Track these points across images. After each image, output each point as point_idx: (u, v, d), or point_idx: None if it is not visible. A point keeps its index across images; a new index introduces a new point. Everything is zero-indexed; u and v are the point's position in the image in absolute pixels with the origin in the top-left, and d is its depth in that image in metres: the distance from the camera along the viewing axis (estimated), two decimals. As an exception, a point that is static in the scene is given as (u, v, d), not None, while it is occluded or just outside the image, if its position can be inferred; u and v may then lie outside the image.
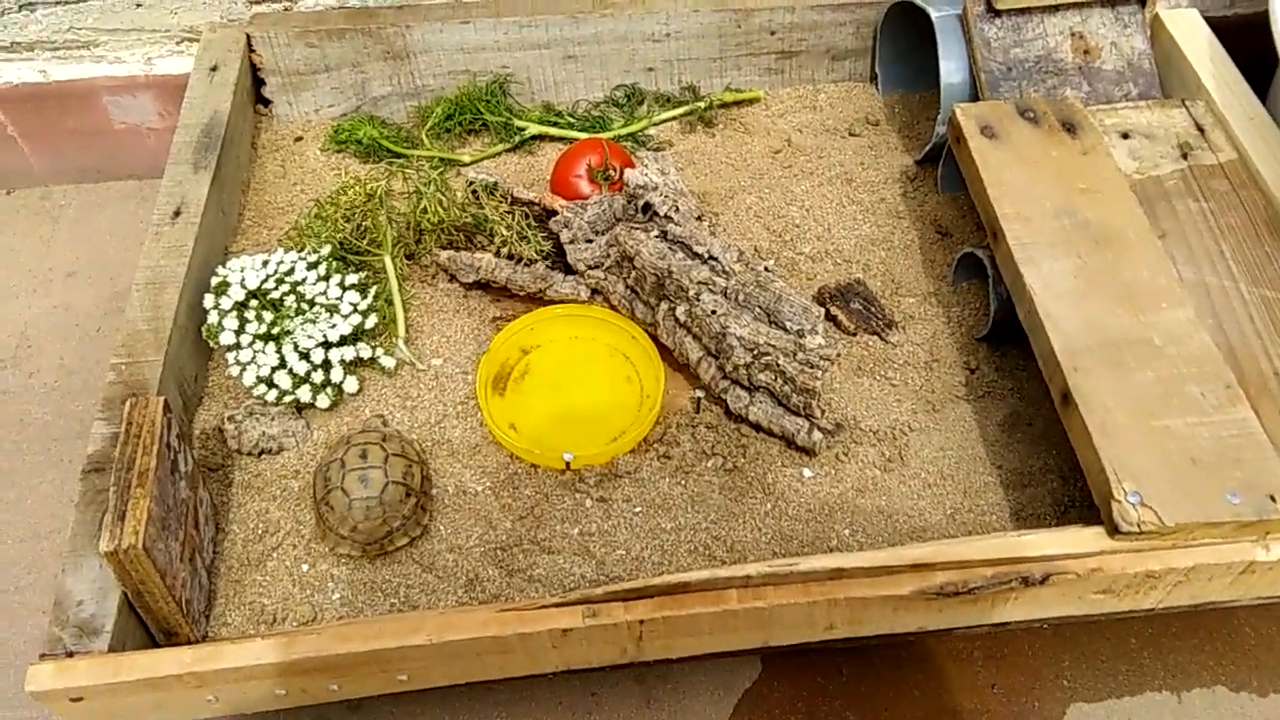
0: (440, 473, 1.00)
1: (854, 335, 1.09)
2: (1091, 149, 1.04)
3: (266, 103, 1.29)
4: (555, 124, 1.28)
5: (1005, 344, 1.07)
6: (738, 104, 1.32)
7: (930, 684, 1.02)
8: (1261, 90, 1.12)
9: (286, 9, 1.27)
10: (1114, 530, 0.79)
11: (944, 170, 1.19)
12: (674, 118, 1.30)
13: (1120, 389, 0.86)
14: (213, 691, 0.80)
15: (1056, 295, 0.92)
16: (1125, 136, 1.06)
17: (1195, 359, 0.87)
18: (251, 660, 0.77)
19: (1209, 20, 1.19)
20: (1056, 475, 0.97)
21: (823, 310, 0.99)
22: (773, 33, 1.29)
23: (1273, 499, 0.79)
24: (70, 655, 0.78)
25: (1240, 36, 1.19)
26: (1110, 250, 0.95)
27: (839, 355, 0.97)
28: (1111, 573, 0.80)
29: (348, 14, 1.26)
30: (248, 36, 1.23)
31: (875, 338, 1.09)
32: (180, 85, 1.29)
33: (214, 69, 1.20)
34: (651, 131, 1.29)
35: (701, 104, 1.30)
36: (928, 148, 1.21)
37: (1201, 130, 1.07)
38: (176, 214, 1.06)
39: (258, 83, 1.27)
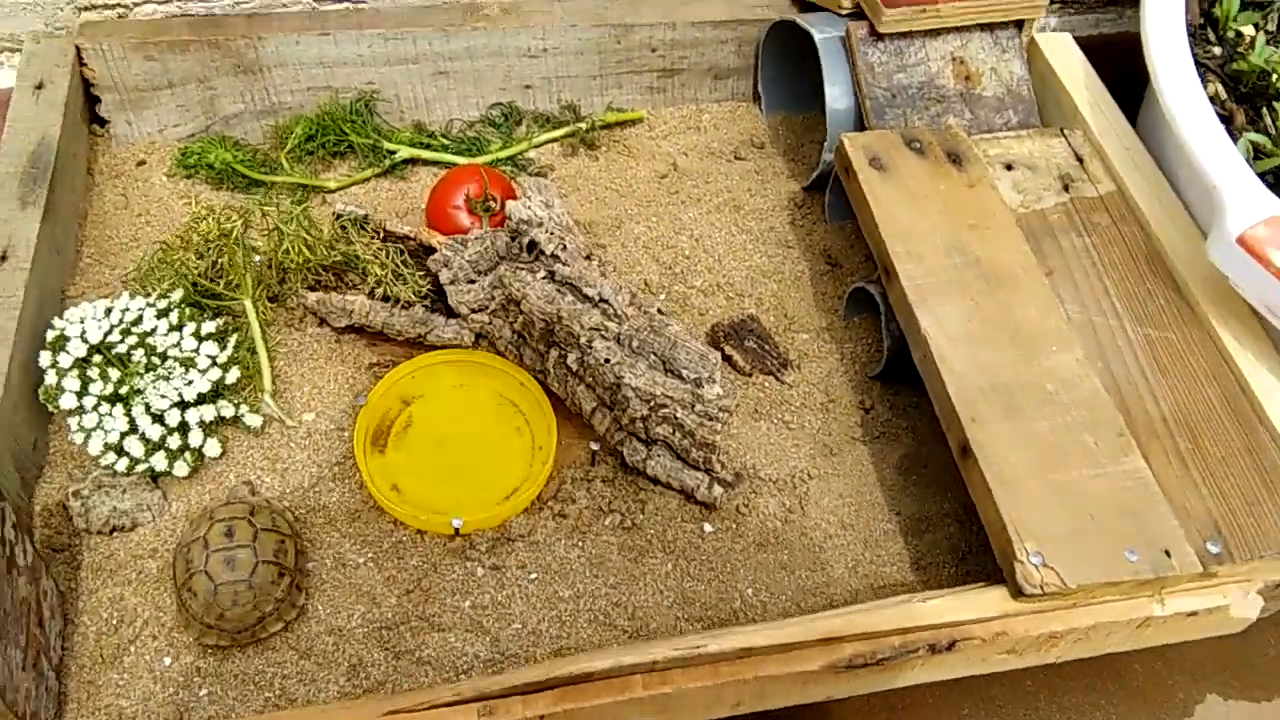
0: (317, 544, 0.92)
1: (749, 376, 1.06)
2: (977, 181, 1.03)
3: (103, 123, 1.16)
4: (428, 146, 1.20)
5: (898, 381, 1.06)
6: (620, 125, 1.26)
7: (832, 728, 1.01)
8: (1131, 111, 1.14)
9: (120, 16, 1.14)
10: (1018, 592, 0.79)
11: (831, 198, 1.17)
12: (554, 139, 1.24)
13: (1017, 440, 0.85)
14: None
15: (951, 339, 0.91)
16: (1009, 168, 1.06)
17: (1087, 404, 0.88)
18: (107, 793, 0.69)
19: (1078, 40, 1.20)
20: (953, 520, 0.96)
21: (719, 355, 0.95)
22: (654, 49, 1.24)
23: (1167, 554, 0.80)
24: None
25: (1107, 55, 1.21)
26: (1001, 290, 0.95)
27: (737, 405, 0.94)
28: (1015, 635, 0.80)
29: (191, 23, 1.14)
30: (77, 49, 1.10)
31: (771, 378, 1.06)
32: (1, 101, 1.15)
33: (39, 86, 1.07)
34: (532, 154, 1.22)
35: (583, 125, 1.24)
36: (815, 174, 1.19)
37: (1080, 160, 1.08)
38: (3, 258, 0.94)
39: (91, 100, 1.14)
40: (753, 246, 1.17)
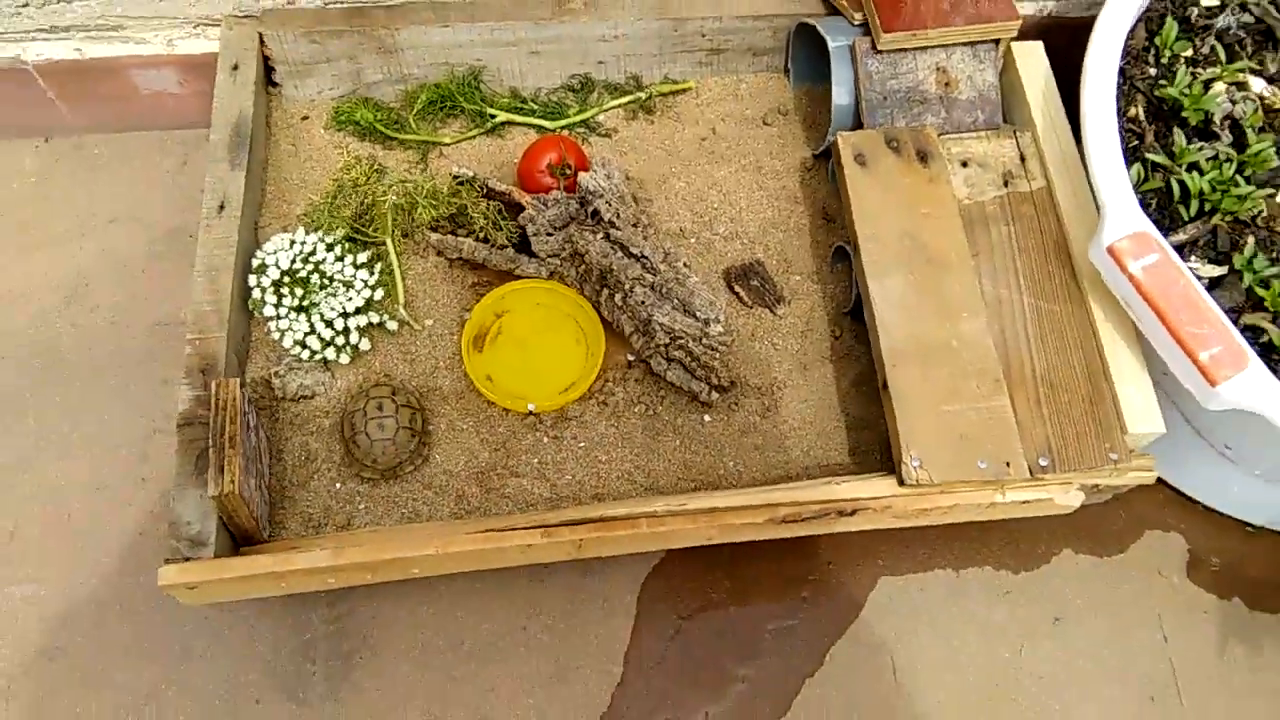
0: (434, 414, 1.34)
1: (751, 309, 1.42)
2: (936, 177, 1.35)
3: (276, 85, 1.53)
4: (520, 110, 1.54)
5: (863, 317, 1.41)
6: (674, 93, 1.58)
7: (785, 560, 1.42)
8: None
9: (290, 3, 1.49)
10: (901, 482, 1.17)
11: (832, 167, 1.49)
12: (619, 105, 1.57)
13: (922, 381, 1.21)
14: (284, 581, 1.17)
15: (890, 305, 1.26)
16: (964, 164, 1.37)
17: (978, 359, 1.23)
18: (315, 564, 1.14)
19: (1068, 20, 1.45)
20: (884, 422, 1.33)
21: (723, 301, 1.32)
22: (704, 35, 1.54)
23: (1008, 464, 1.17)
24: (187, 560, 1.14)
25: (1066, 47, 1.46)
26: (935, 272, 1.28)
27: (734, 340, 1.31)
28: (898, 509, 1.18)
29: (345, 13, 1.48)
30: (260, 35, 1.46)
31: (767, 310, 1.42)
32: (196, 63, 1.54)
33: (235, 68, 1.44)
34: (600, 119, 1.56)
35: (643, 94, 1.56)
36: (821, 148, 1.50)
37: (1023, 159, 1.37)
38: (221, 208, 1.34)
39: (268, 70, 1.51)
40: (767, 202, 1.51)
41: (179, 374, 1.23)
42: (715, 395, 1.32)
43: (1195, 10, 1.41)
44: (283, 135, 1.52)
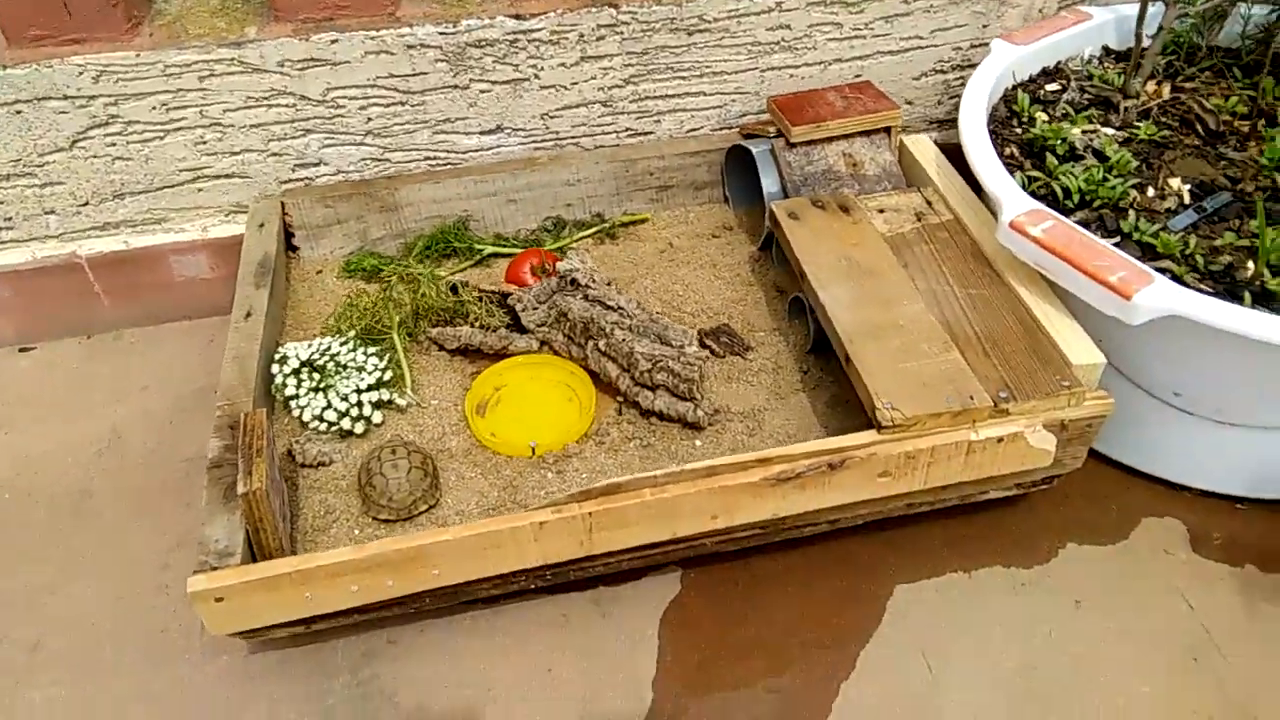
0: (444, 469, 1.44)
1: (723, 357, 1.58)
2: (859, 220, 1.58)
3: (295, 249, 1.79)
4: (504, 245, 1.80)
5: (826, 355, 1.57)
6: (632, 224, 1.86)
7: (799, 584, 1.45)
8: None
9: (307, 184, 1.79)
10: (879, 427, 1.27)
11: (776, 253, 1.73)
12: (587, 236, 1.83)
13: (879, 350, 1.36)
14: (309, 589, 1.20)
15: (839, 304, 1.43)
16: (881, 211, 1.61)
17: (925, 330, 1.38)
18: (337, 559, 1.19)
19: (952, 145, 1.77)
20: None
21: (695, 332, 1.49)
22: (651, 174, 1.85)
23: (971, 398, 1.28)
24: (214, 569, 1.18)
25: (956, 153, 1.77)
26: (871, 279, 1.47)
27: (706, 373, 1.47)
28: (882, 455, 1.27)
29: (353, 184, 1.79)
30: (282, 204, 1.75)
31: (737, 357, 1.58)
32: (227, 246, 1.80)
33: (261, 225, 1.71)
34: (572, 247, 1.81)
35: (606, 224, 1.83)
36: (763, 238, 1.75)
37: (930, 204, 1.62)
38: (248, 315, 1.53)
39: (289, 235, 1.77)
40: (725, 286, 1.72)
41: (203, 497, 1.30)
42: (702, 413, 1.44)
43: (1042, 91, 1.75)
44: (300, 286, 1.75)
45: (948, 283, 1.47)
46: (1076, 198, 1.49)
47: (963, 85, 1.94)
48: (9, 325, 1.83)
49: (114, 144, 1.67)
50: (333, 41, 1.64)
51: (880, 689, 1.33)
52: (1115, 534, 1.51)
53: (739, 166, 1.85)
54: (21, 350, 1.86)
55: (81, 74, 1.58)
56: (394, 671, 1.37)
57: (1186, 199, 1.50)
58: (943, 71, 1.92)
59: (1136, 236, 1.42)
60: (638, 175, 1.84)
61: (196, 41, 1.61)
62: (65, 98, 1.60)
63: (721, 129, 1.89)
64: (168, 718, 1.32)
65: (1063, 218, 1.39)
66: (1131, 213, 1.46)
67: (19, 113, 1.60)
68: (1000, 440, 1.29)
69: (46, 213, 1.74)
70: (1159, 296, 1.26)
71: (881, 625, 1.40)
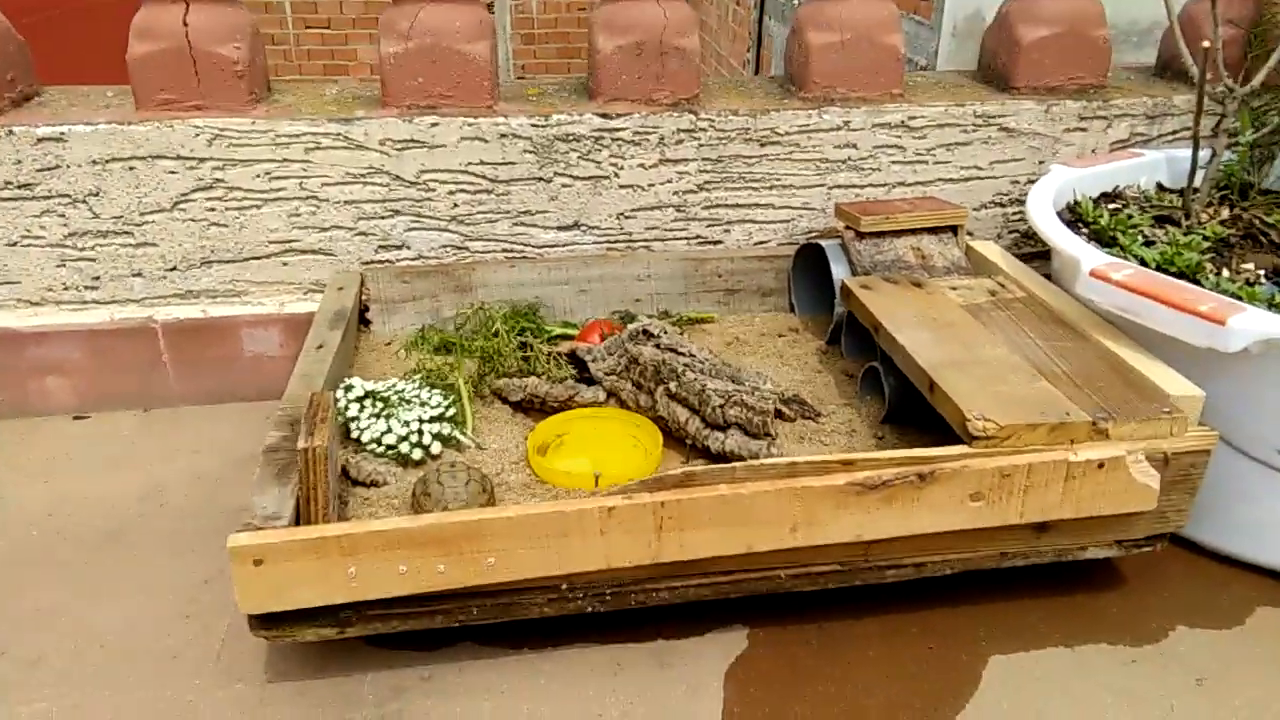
0: (502, 499, 1.36)
1: (794, 421, 1.53)
2: (933, 292, 1.59)
3: (368, 324, 1.81)
4: (573, 329, 1.81)
5: (902, 426, 1.51)
6: (700, 321, 1.87)
7: (881, 648, 1.30)
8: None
9: (385, 265, 1.85)
10: (970, 439, 1.20)
11: (846, 341, 1.72)
12: (655, 330, 1.84)
13: (964, 377, 1.31)
14: (355, 562, 1.10)
15: (919, 344, 1.40)
16: (954, 289, 1.62)
17: (1010, 367, 1.34)
18: (389, 526, 1.10)
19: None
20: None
21: (769, 376, 1.45)
22: (720, 275, 1.89)
23: (1067, 413, 1.21)
24: (259, 529, 1.10)
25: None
26: (950, 329, 1.45)
27: (780, 394, 1.42)
28: (975, 470, 1.19)
29: (432, 267, 1.84)
30: (361, 276, 1.80)
31: (810, 421, 1.53)
32: (301, 323, 1.82)
33: (340, 289, 1.75)
34: (640, 335, 1.82)
35: (674, 319, 1.85)
36: (831, 328, 1.75)
37: (1002, 285, 1.63)
38: (320, 347, 1.53)
39: (363, 310, 1.81)
40: (793, 372, 1.70)
41: (256, 475, 1.25)
42: (775, 450, 1.37)
43: (1104, 209, 1.80)
44: (368, 355, 1.75)
45: (1028, 336, 1.45)
46: (1153, 268, 1.49)
47: (1021, 220, 2.02)
48: (69, 390, 1.83)
49: (213, 209, 1.76)
50: (433, 125, 1.76)
51: (982, 751, 1.16)
52: (1229, 620, 1.36)
53: (806, 276, 1.89)
54: (76, 418, 1.85)
55: (198, 135, 1.70)
56: (426, 708, 1.22)
57: (1263, 279, 1.50)
58: (1001, 205, 2.00)
59: (1222, 288, 1.40)
60: (706, 276, 1.88)
61: (309, 115, 1.73)
62: (178, 157, 1.71)
63: (788, 243, 1.95)
64: (170, 734, 1.17)
65: (1140, 267, 1.38)
66: (1211, 277, 1.45)
67: (132, 169, 1.71)
68: (1101, 465, 1.20)
69: (134, 275, 1.80)
70: (1255, 321, 1.23)
71: (979, 692, 1.24)
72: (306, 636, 1.17)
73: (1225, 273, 1.51)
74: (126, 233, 1.76)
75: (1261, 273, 1.52)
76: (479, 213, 1.84)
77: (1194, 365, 1.33)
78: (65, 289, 1.79)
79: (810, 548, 1.20)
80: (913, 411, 1.45)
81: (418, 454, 1.41)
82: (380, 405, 1.46)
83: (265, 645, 1.29)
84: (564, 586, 1.19)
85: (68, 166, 1.70)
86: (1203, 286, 1.42)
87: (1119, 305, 1.37)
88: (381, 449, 1.41)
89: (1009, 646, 1.31)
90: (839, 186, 1.93)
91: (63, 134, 1.67)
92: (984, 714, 1.21)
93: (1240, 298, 1.37)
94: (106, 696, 1.23)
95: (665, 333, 1.54)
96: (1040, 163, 1.97)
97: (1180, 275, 1.47)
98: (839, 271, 1.74)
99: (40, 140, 1.67)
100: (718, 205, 1.91)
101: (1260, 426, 1.34)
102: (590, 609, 1.23)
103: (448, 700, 1.22)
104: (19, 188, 1.70)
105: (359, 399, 1.46)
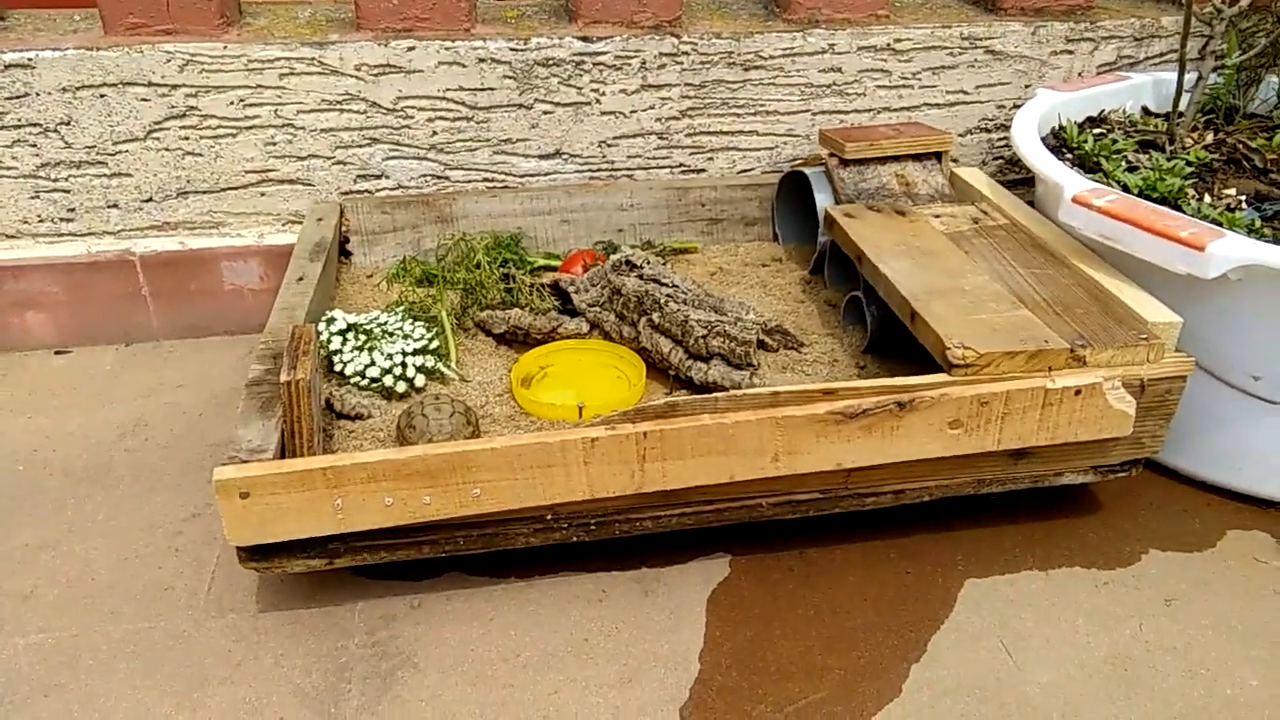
0: (487, 431, 1.37)
1: (777, 351, 1.53)
2: (916, 220, 1.58)
3: (348, 254, 1.79)
4: (555, 260, 1.80)
5: (884, 356, 1.52)
6: (683, 251, 1.86)
7: (861, 573, 1.33)
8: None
9: (367, 195, 1.83)
10: (950, 367, 1.21)
11: (830, 271, 1.72)
12: (638, 259, 1.83)
13: (945, 306, 1.31)
14: (341, 494, 1.11)
15: (901, 273, 1.41)
16: (936, 216, 1.61)
17: (990, 295, 1.34)
18: (375, 459, 1.11)
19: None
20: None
21: (752, 307, 1.45)
22: (703, 204, 1.87)
23: (1046, 341, 1.22)
24: (244, 462, 1.11)
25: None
26: (932, 257, 1.45)
27: (760, 364, 1.43)
28: (954, 398, 1.20)
29: (412, 197, 1.82)
30: (341, 207, 1.77)
31: (793, 351, 1.53)
32: (281, 255, 1.81)
33: (319, 220, 1.73)
34: (623, 265, 1.81)
35: (656, 249, 1.84)
36: (814, 257, 1.75)
37: (985, 213, 1.62)
38: (300, 279, 1.52)
39: (343, 241, 1.79)
40: (776, 302, 1.70)
41: (239, 408, 1.28)
42: (757, 381, 1.38)
43: (1088, 133, 1.79)
44: (350, 287, 1.74)
45: (1010, 264, 1.45)
46: (1135, 194, 1.49)
47: (1006, 146, 2.00)
48: (50, 325, 1.82)
49: (187, 137, 1.73)
50: (409, 49, 1.72)
51: (956, 672, 1.19)
52: (1199, 543, 1.40)
53: (789, 204, 1.88)
54: (57, 353, 1.84)
55: (169, 61, 1.66)
56: (416, 634, 1.24)
57: (1244, 205, 1.50)
58: (987, 130, 1.98)
59: (1203, 214, 1.40)
60: (689, 205, 1.87)
61: (282, 39, 1.69)
62: (150, 84, 1.67)
63: (772, 171, 1.93)
64: (159, 666, 1.20)
65: (1122, 192, 1.38)
66: (1193, 203, 1.45)
67: (103, 96, 1.67)
68: (1078, 393, 1.22)
69: (109, 206, 1.77)
70: (1234, 246, 1.23)
71: (953, 615, 1.28)
72: (295, 568, 1.19)
73: (1207, 198, 1.51)
74: (100, 163, 1.73)
75: (1243, 198, 1.51)
76: (459, 140, 1.81)
77: (1174, 292, 1.34)
78: (40, 221, 1.76)
79: (791, 476, 1.22)
80: (896, 341, 1.46)
81: (401, 387, 1.41)
82: (363, 338, 1.45)
83: (255, 577, 1.31)
84: (549, 517, 1.21)
85: (37, 94, 1.66)
86: (1184, 212, 1.42)
87: (1101, 232, 1.37)
88: (365, 382, 1.41)
89: (985, 571, 1.34)
90: (823, 112, 1.90)
91: (30, 60, 1.63)
92: (959, 633, 1.24)
93: (1221, 223, 1.37)
94: (101, 627, 1.25)
95: (648, 263, 1.53)
96: (1026, 87, 1.95)
97: (1162, 201, 1.47)
98: (823, 200, 1.73)
99: (7, 67, 1.63)
100: (701, 132, 1.88)
101: (1237, 353, 1.36)
102: (575, 538, 1.25)
103: (437, 627, 1.25)
104: (-14, 118, 1.66)
105: (341, 332, 1.46)
